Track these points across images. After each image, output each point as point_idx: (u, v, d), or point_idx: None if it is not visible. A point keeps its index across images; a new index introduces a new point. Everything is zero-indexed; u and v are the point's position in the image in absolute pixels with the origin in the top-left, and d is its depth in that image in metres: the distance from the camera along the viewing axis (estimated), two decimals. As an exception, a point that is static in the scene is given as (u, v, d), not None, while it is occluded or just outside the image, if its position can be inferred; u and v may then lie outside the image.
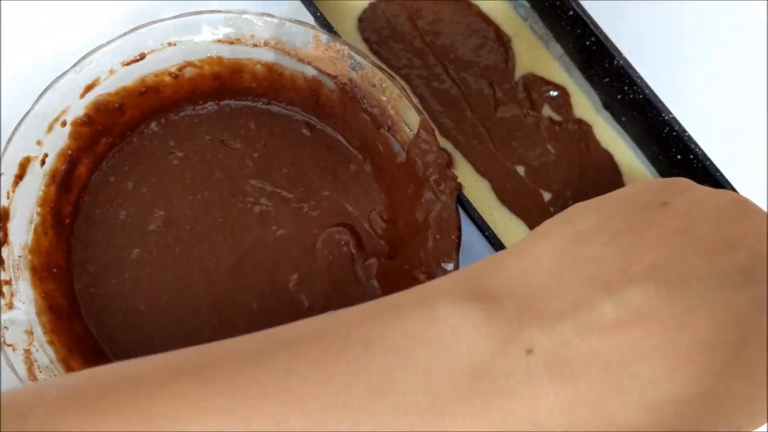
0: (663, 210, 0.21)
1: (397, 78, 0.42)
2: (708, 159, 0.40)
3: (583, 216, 0.22)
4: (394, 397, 0.19)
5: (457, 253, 0.36)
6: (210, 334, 0.39)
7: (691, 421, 0.19)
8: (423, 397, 0.19)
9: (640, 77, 0.41)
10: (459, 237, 0.36)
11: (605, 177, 0.43)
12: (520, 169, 0.43)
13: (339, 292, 0.39)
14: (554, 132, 0.43)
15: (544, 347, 0.19)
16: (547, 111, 0.44)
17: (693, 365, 0.18)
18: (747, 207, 0.21)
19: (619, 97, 0.43)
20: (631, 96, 0.42)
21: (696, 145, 0.40)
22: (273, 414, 0.19)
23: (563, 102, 0.44)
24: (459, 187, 0.36)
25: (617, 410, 0.19)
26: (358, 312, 0.21)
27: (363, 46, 0.44)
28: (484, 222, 0.38)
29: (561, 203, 0.43)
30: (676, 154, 0.41)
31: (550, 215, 0.40)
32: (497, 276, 0.21)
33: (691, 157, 0.40)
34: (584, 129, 0.44)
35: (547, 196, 0.43)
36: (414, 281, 0.37)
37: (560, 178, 0.43)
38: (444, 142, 0.43)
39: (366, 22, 0.44)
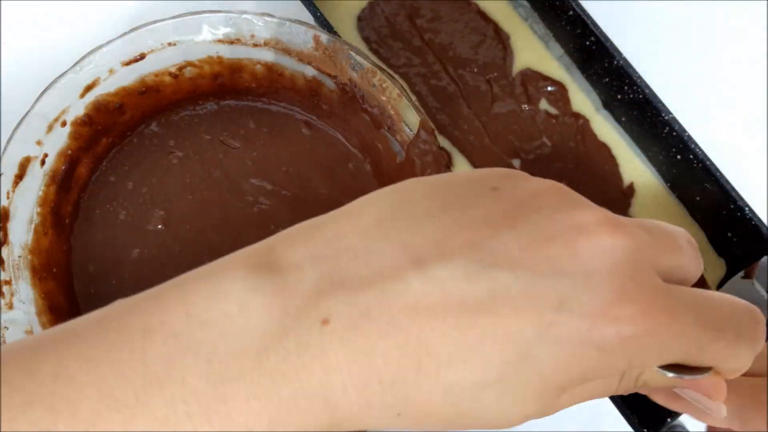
0: (493, 193, 0.20)
1: (397, 78, 0.42)
2: (708, 159, 0.40)
3: (414, 188, 0.21)
4: (172, 388, 0.18)
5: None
6: None
7: (485, 407, 0.19)
8: (204, 384, 0.18)
9: (639, 77, 0.41)
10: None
11: (602, 168, 0.43)
12: (516, 162, 0.43)
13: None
14: (550, 125, 0.43)
15: (342, 318, 0.18)
16: (544, 105, 0.44)
17: (489, 352, 0.18)
18: (572, 200, 0.20)
19: (618, 96, 0.43)
20: (631, 96, 0.42)
21: (696, 145, 0.40)
22: (38, 421, 0.17)
23: (560, 96, 0.44)
24: None
25: (414, 388, 0.18)
26: (142, 297, 0.20)
27: (362, 45, 0.44)
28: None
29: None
30: (676, 154, 0.41)
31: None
32: (307, 241, 0.20)
33: (691, 157, 0.40)
34: (581, 122, 0.44)
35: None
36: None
37: (556, 170, 0.43)
38: (441, 139, 0.43)
39: (365, 21, 0.44)
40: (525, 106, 0.43)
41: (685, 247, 0.21)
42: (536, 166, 0.43)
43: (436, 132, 0.38)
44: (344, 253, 0.19)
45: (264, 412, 0.18)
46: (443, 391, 0.18)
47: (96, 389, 0.18)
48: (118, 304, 0.20)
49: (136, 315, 0.19)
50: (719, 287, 0.42)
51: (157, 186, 0.39)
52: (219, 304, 0.19)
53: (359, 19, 0.44)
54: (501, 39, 0.45)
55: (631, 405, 0.37)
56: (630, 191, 0.43)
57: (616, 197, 0.43)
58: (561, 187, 0.21)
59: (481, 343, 0.18)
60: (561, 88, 0.44)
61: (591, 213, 0.19)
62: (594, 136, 0.44)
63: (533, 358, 0.18)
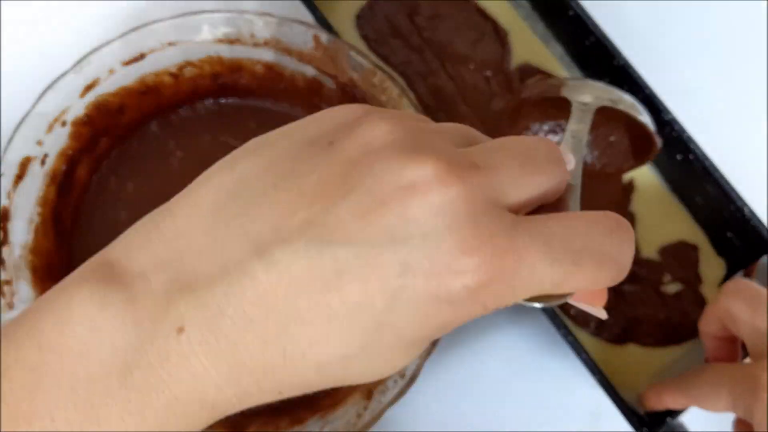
0: (327, 150, 0.19)
1: (397, 77, 0.42)
2: (708, 159, 0.40)
3: (249, 156, 0.20)
4: (39, 422, 0.17)
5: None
6: None
7: (357, 372, 0.19)
8: (72, 412, 0.17)
9: (639, 77, 0.41)
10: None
11: None
12: None
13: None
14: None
15: (196, 322, 0.18)
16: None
17: (346, 328, 0.18)
18: (404, 151, 0.19)
19: (619, 97, 0.43)
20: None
21: (696, 145, 0.40)
22: None
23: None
24: None
25: (285, 373, 0.18)
26: None
27: (361, 44, 0.44)
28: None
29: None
30: (676, 154, 0.41)
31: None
32: (147, 245, 0.19)
33: (691, 157, 0.40)
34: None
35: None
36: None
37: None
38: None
39: (364, 19, 0.44)
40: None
41: (540, 163, 0.20)
42: None
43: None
44: (187, 252, 0.19)
45: (143, 425, 0.18)
46: (315, 369, 0.19)
47: None
48: None
49: None
50: (719, 287, 0.42)
51: (157, 186, 0.39)
52: (71, 329, 0.18)
53: (358, 17, 0.44)
54: (500, 36, 0.45)
55: (631, 405, 0.37)
56: (630, 187, 0.43)
57: (616, 194, 0.43)
58: (391, 133, 0.19)
59: (337, 321, 0.18)
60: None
61: (421, 168, 0.18)
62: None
63: (389, 324, 0.18)
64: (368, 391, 0.36)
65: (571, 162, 0.22)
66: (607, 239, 0.19)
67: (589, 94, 0.35)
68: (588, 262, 0.19)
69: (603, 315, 0.22)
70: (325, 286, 0.18)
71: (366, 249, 0.18)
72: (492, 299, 0.18)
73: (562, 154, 0.21)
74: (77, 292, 0.18)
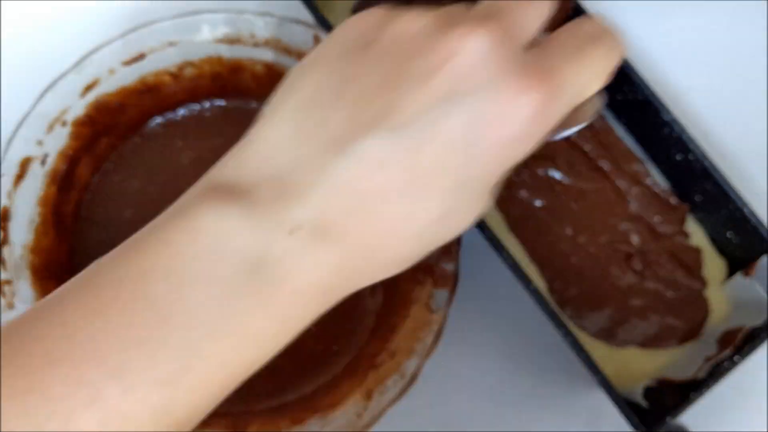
0: (367, 49, 0.22)
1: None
2: (708, 159, 0.40)
3: (302, 80, 0.23)
4: (183, 317, 0.20)
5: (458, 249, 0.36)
6: None
7: (453, 228, 0.22)
8: (210, 308, 0.20)
9: (640, 77, 0.41)
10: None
11: None
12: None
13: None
14: None
15: (306, 221, 0.20)
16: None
17: (435, 191, 0.21)
18: (432, 32, 0.21)
19: (619, 97, 0.42)
20: (631, 96, 0.42)
21: (696, 145, 0.40)
22: (69, 374, 0.19)
23: None
24: None
25: (390, 248, 0.21)
26: (120, 251, 0.22)
27: None
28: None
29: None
30: (676, 154, 0.41)
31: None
32: (243, 170, 0.22)
33: (691, 157, 0.40)
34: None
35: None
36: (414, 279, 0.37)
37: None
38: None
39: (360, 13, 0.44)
40: None
41: (534, 6, 0.24)
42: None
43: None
44: (284, 164, 0.21)
45: (273, 313, 0.21)
46: (416, 239, 0.21)
47: (115, 335, 0.19)
48: (97, 265, 0.22)
49: (125, 266, 0.21)
50: (719, 287, 0.42)
51: (157, 186, 0.39)
52: (200, 239, 0.20)
53: (354, 11, 0.44)
54: None
55: (631, 405, 0.37)
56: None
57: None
58: (417, 20, 0.22)
59: (426, 189, 0.21)
60: None
61: (452, 36, 0.21)
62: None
63: (472, 177, 0.21)
64: (368, 391, 0.36)
65: None
66: (591, 25, 0.23)
67: None
68: (599, 46, 0.23)
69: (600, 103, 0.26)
70: (408, 162, 0.20)
71: (432, 116, 0.20)
72: (551, 119, 0.21)
73: None
74: (199, 210, 0.21)
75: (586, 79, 0.22)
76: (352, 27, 0.23)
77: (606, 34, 0.23)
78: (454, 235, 0.22)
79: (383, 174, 0.20)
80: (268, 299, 0.20)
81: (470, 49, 0.20)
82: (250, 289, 0.20)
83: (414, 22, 0.22)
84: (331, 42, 0.23)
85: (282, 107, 0.23)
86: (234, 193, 0.21)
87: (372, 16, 0.23)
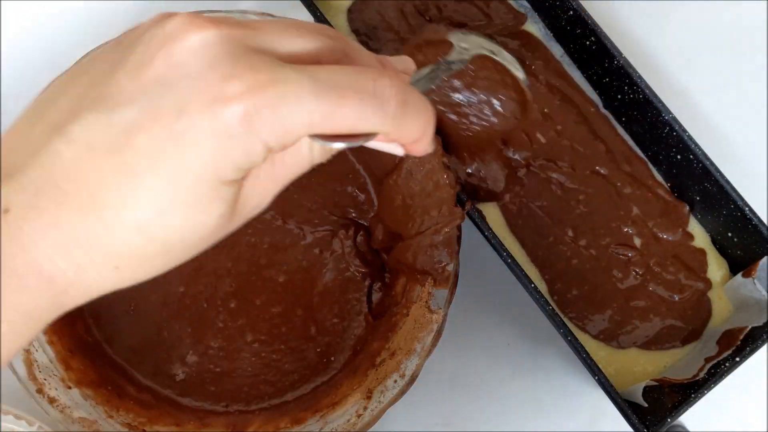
0: (116, 46, 0.22)
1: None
2: (708, 159, 0.40)
3: (71, 70, 0.23)
4: None
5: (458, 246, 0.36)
6: (223, 319, 0.40)
7: (180, 227, 0.21)
8: None
9: (640, 77, 0.41)
10: (459, 228, 0.36)
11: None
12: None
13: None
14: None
15: (18, 202, 0.20)
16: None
17: (150, 181, 0.20)
18: (164, 19, 0.21)
19: (619, 97, 0.42)
20: (631, 96, 0.42)
21: (696, 145, 0.40)
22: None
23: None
24: (457, 179, 0.37)
25: (109, 240, 0.20)
26: None
27: (352, 37, 0.44)
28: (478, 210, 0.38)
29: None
30: (676, 154, 0.41)
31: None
32: None
33: (691, 157, 0.40)
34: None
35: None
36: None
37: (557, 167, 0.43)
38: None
39: (355, 13, 0.44)
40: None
41: (306, 27, 0.22)
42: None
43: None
44: (10, 152, 0.21)
45: None
46: (136, 232, 0.20)
47: None
48: None
49: None
50: (719, 287, 0.42)
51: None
52: None
53: (350, 11, 0.44)
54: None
55: (631, 405, 0.37)
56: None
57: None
58: (162, 16, 0.21)
59: (139, 178, 0.20)
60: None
61: (179, 19, 0.20)
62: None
63: (186, 168, 0.20)
64: (368, 391, 0.36)
65: (407, 62, 0.25)
66: (371, 82, 0.21)
67: (472, 42, 0.36)
68: (353, 98, 0.20)
69: (400, 151, 0.24)
70: (119, 145, 0.20)
71: (145, 102, 0.20)
72: (267, 130, 0.20)
73: (332, 28, 0.24)
74: None
75: (324, 109, 0.20)
76: (134, 33, 0.22)
77: (383, 87, 0.21)
78: (190, 237, 0.21)
79: (99, 158, 0.20)
80: None
81: (193, 36, 0.20)
82: None
83: (158, 16, 0.21)
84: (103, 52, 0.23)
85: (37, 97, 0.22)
86: None
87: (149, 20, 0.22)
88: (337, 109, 0.20)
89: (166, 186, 0.20)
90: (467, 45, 0.36)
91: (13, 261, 0.20)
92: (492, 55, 0.37)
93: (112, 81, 0.20)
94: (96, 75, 0.21)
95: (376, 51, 0.43)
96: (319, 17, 0.40)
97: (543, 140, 0.43)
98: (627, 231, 0.42)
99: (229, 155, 0.20)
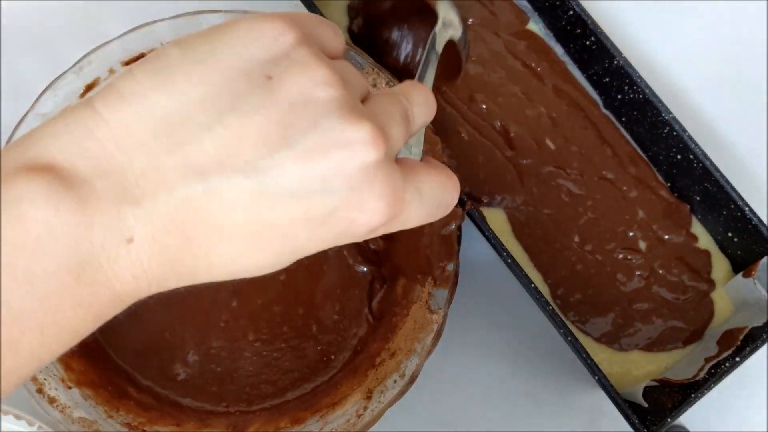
0: (267, 89, 0.21)
1: (392, 79, 0.42)
2: (708, 159, 0.40)
3: (188, 76, 0.21)
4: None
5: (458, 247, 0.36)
6: (225, 318, 0.40)
7: (255, 274, 0.23)
8: (29, 302, 0.19)
9: (640, 77, 0.41)
10: (459, 228, 0.36)
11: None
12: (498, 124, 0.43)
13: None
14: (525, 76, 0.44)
15: (143, 235, 0.20)
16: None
17: (270, 249, 0.22)
18: (341, 105, 0.21)
19: (619, 97, 0.43)
20: (631, 96, 0.42)
21: (696, 145, 0.40)
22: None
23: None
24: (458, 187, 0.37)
25: (206, 277, 0.22)
26: None
27: (347, 36, 0.44)
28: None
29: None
30: (676, 154, 0.41)
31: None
32: (82, 150, 0.20)
33: (691, 157, 0.40)
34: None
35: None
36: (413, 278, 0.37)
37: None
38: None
39: (355, 11, 0.44)
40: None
41: (416, 118, 0.25)
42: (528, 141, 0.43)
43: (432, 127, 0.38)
44: (129, 168, 0.20)
45: (89, 314, 0.21)
46: (228, 275, 0.22)
47: None
48: None
49: None
50: (719, 287, 0.42)
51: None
52: (25, 227, 0.19)
53: (350, 8, 0.44)
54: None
55: (631, 405, 0.37)
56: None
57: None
58: (331, 86, 0.22)
59: (262, 243, 0.21)
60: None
61: (360, 130, 0.21)
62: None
63: (303, 249, 0.22)
64: (368, 391, 0.36)
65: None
66: (449, 195, 0.25)
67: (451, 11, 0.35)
68: (439, 210, 0.25)
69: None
70: (259, 214, 0.21)
71: (301, 190, 0.21)
72: (381, 232, 0.23)
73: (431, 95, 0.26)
74: (26, 191, 0.19)
75: (421, 218, 0.24)
76: (247, 37, 0.22)
77: (453, 196, 0.26)
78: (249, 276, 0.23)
79: (226, 215, 0.20)
80: (88, 300, 0.20)
81: (368, 155, 0.21)
82: (71, 291, 0.20)
83: (328, 86, 0.21)
84: (230, 47, 0.21)
85: (145, 99, 0.20)
86: (66, 181, 0.20)
87: (276, 34, 0.22)
88: (427, 218, 0.24)
89: (280, 256, 0.22)
90: (447, 15, 0.35)
91: (121, 285, 0.21)
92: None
93: (275, 158, 0.20)
94: (249, 130, 0.20)
95: (375, 49, 0.43)
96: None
97: (552, 147, 0.43)
98: (632, 235, 0.42)
99: (336, 243, 0.23)
